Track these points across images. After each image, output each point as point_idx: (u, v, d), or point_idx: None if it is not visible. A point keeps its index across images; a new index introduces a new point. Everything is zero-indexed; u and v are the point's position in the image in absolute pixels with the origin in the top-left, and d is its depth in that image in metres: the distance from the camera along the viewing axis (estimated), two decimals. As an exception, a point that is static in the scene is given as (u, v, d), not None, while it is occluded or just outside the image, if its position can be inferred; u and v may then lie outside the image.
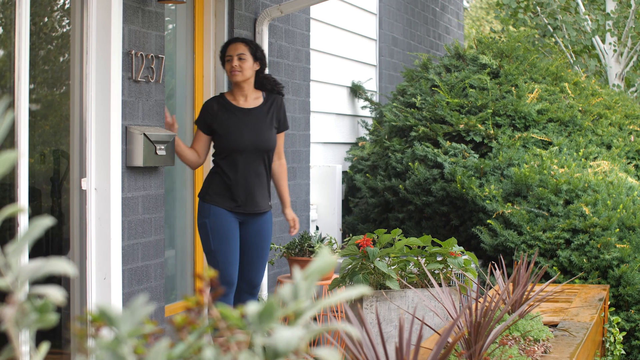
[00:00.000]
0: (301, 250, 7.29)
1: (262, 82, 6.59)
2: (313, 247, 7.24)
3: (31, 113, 5.48)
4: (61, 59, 5.95)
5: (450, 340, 3.69)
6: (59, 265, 1.59)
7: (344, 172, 10.38)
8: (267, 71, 6.95)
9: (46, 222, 1.62)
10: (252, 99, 6.53)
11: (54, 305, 1.57)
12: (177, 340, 1.55)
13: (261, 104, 6.54)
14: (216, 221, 6.35)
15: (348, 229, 9.77)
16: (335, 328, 1.60)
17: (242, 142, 6.39)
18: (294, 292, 1.61)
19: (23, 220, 5.00)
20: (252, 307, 1.54)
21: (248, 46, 6.49)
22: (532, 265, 5.04)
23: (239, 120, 6.43)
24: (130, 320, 1.50)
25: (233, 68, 6.42)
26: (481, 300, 4.46)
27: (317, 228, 8.77)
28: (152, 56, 6.20)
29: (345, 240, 7.45)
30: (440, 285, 5.96)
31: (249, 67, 6.47)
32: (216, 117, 6.42)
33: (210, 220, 6.34)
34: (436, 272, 6.68)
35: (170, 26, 7.06)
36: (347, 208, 10.31)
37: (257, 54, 6.53)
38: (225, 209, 6.37)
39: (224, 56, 6.51)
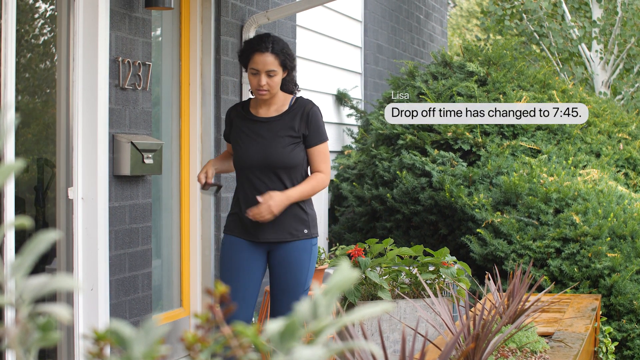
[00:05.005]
0: (289, 260, 7.20)
1: (285, 82, 5.54)
2: (301, 256, 7.15)
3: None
4: (46, 66, 5.84)
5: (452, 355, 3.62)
6: (65, 281, 1.52)
7: (330, 181, 10.30)
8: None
9: (51, 236, 1.54)
10: (275, 107, 5.51)
11: (57, 323, 1.50)
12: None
13: (283, 112, 5.47)
14: (224, 251, 5.51)
15: (334, 238, 9.69)
16: (357, 347, 1.52)
17: (248, 157, 5.42)
18: (313, 309, 1.54)
19: (10, 232, 4.89)
20: (273, 326, 1.46)
21: (278, 58, 5.39)
22: (527, 276, 4.97)
23: (252, 131, 5.46)
24: (144, 341, 1.42)
25: (260, 87, 5.37)
26: (477, 311, 4.39)
27: (304, 237, 8.67)
28: (139, 63, 6.11)
29: (332, 249, 7.38)
30: (436, 295, 5.89)
31: (278, 82, 5.44)
32: (232, 127, 5.59)
33: (221, 250, 5.55)
34: (428, 282, 6.62)
35: (156, 33, 6.96)
36: (333, 217, 10.23)
37: (287, 63, 5.45)
38: (241, 238, 5.45)
39: (247, 63, 5.46)
